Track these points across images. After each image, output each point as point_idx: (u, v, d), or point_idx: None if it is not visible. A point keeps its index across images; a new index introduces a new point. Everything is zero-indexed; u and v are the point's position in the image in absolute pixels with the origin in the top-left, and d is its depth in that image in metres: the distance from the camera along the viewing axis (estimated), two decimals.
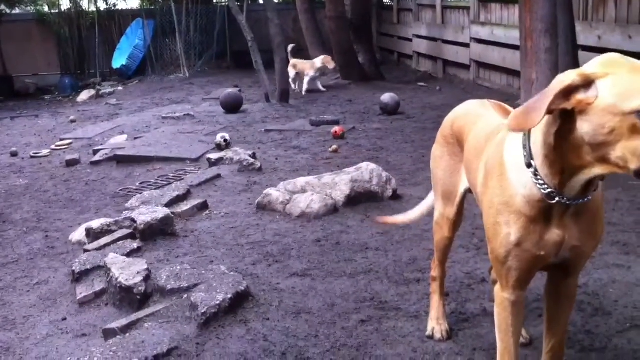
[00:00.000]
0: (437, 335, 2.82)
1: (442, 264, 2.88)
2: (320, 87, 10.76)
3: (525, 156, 1.86)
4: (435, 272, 2.90)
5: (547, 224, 1.91)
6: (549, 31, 5.91)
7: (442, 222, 2.73)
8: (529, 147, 1.85)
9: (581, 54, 6.52)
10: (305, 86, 10.67)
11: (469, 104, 2.66)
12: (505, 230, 1.95)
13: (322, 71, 10.82)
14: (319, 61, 10.65)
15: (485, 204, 2.05)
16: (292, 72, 10.67)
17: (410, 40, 13.64)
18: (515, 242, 1.94)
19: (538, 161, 1.83)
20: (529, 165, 1.85)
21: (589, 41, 6.94)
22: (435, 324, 2.86)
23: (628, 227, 3.94)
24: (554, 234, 1.92)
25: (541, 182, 1.84)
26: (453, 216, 2.67)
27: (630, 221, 4.04)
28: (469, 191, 2.54)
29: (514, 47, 8.46)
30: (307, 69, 10.67)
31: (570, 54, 6.07)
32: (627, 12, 6.44)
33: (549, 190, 1.83)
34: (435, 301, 2.90)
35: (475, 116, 2.48)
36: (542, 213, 1.90)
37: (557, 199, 1.83)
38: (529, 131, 1.84)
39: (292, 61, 10.69)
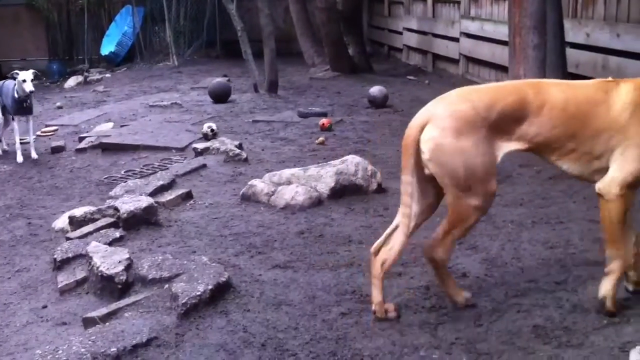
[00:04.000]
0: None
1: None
2: None
3: None
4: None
5: None
6: (538, 28, 5.92)
7: (487, 203, 2.84)
8: None
9: (569, 52, 6.54)
10: None
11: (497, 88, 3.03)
12: None
13: None
14: None
15: None
16: None
17: (401, 33, 13.62)
18: None
19: None
20: None
21: (577, 39, 6.96)
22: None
23: None
24: None
25: None
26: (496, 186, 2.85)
27: None
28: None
29: (503, 43, 8.46)
30: None
31: (558, 51, 6.07)
32: (615, 10, 6.45)
33: None
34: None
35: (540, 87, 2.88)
36: None
37: None
38: None
39: None
